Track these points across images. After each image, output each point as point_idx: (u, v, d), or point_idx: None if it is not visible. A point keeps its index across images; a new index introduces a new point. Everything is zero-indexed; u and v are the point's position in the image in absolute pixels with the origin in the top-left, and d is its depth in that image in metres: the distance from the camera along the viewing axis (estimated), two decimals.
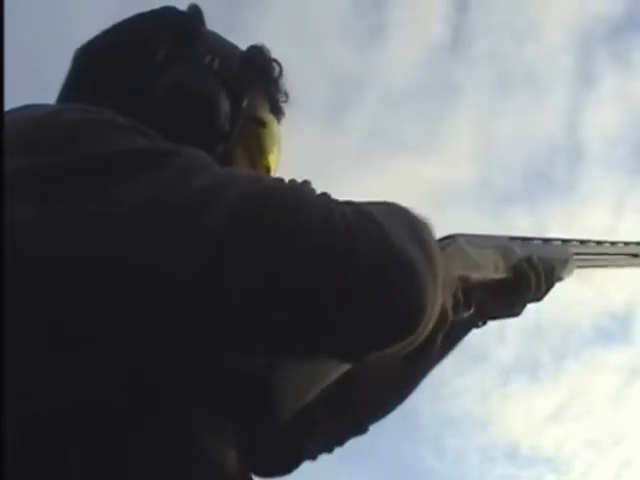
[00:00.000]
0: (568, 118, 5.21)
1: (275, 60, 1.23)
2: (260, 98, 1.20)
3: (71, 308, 0.78)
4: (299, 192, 0.86)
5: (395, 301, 0.81)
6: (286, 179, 0.97)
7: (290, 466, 1.20)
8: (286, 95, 1.23)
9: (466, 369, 5.45)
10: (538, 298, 1.36)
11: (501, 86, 5.07)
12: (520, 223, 5.27)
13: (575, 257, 1.48)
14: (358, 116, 4.68)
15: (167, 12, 1.20)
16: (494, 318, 1.33)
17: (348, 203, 0.87)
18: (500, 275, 1.29)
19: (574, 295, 5.33)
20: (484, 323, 1.31)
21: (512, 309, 1.34)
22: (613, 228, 5.11)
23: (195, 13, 1.21)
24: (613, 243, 1.60)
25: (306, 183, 1.02)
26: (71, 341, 0.78)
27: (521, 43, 5.15)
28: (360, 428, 1.27)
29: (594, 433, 6.08)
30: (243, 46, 1.22)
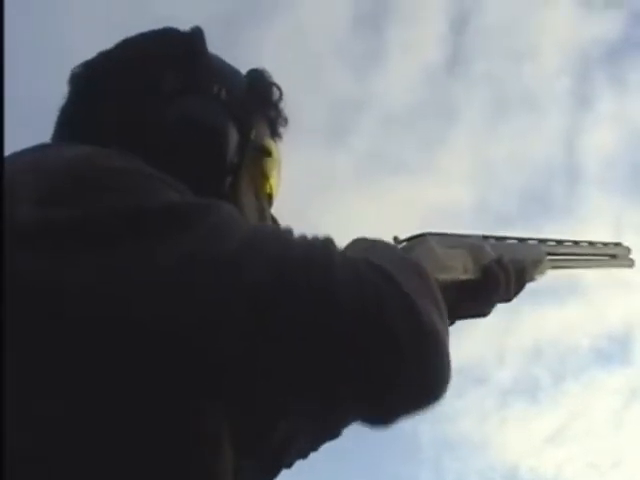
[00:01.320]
0: (566, 140, 5.24)
1: (275, 84, 1.22)
2: (263, 124, 1.19)
3: (107, 371, 0.78)
4: (329, 252, 0.85)
5: (428, 376, 0.83)
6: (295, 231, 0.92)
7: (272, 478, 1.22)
8: (285, 120, 1.22)
9: (465, 391, 5.44)
10: (507, 299, 1.35)
11: (499, 108, 5.10)
12: None
13: (550, 257, 1.48)
14: (357, 138, 4.70)
15: (170, 34, 1.18)
16: (462, 318, 1.31)
17: (366, 261, 0.85)
18: (469, 276, 1.29)
19: (573, 317, 5.33)
20: (452, 323, 1.31)
21: (480, 310, 1.33)
22: None
23: (198, 36, 1.19)
24: (591, 243, 1.59)
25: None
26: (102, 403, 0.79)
27: (518, 65, 5.18)
28: (334, 433, 1.27)
29: (594, 455, 6.06)
30: (242, 69, 1.21)
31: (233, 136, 1.11)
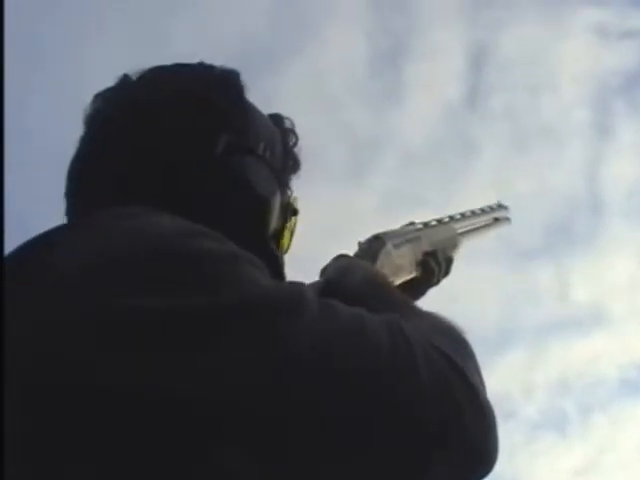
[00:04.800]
0: (587, 171, 5.22)
1: (296, 133, 1.18)
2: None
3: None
4: (412, 353, 0.82)
5: (483, 445, 0.83)
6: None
7: None
8: (300, 167, 1.18)
9: None
10: (437, 284, 1.44)
11: (518, 141, 5.09)
12: (542, 277, 5.25)
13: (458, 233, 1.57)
14: (377, 176, 4.71)
15: (212, 79, 1.07)
16: None
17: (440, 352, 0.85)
18: (412, 273, 1.38)
19: (599, 347, 5.29)
20: None
21: (417, 300, 1.38)
22: (638, 278, 5.09)
23: (239, 82, 1.09)
24: (473, 212, 1.65)
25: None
26: None
27: (537, 98, 5.18)
28: None
29: None
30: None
31: (277, 203, 1.07)
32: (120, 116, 1.02)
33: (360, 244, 1.33)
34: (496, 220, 1.72)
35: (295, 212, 1.13)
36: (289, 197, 1.12)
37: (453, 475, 0.82)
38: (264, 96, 1.11)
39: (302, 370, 0.74)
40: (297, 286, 0.83)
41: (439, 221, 1.52)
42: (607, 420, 5.53)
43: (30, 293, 0.76)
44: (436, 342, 0.84)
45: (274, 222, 1.07)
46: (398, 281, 1.33)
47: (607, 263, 5.23)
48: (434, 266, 1.40)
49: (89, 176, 1.01)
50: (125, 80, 1.06)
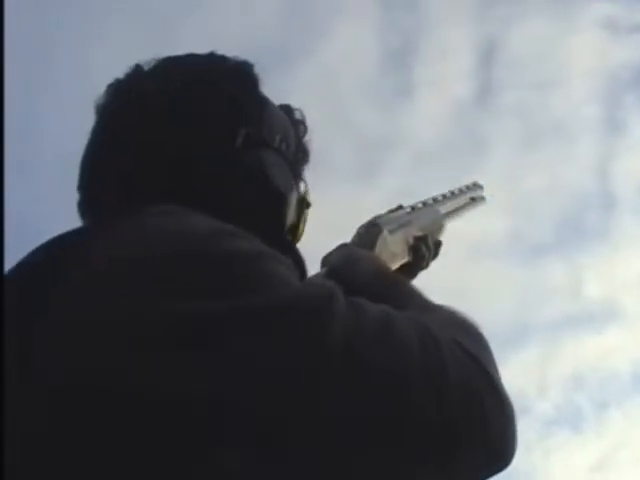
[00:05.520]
0: (599, 166, 5.21)
1: (304, 122, 1.16)
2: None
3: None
4: (441, 355, 0.81)
5: (503, 440, 0.83)
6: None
7: None
8: (309, 156, 1.17)
9: None
10: (427, 267, 1.44)
11: (529, 138, 5.08)
12: (554, 274, 5.24)
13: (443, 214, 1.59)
14: (388, 175, 4.71)
15: (226, 69, 1.04)
16: None
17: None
18: (405, 259, 1.39)
19: (612, 343, 5.27)
20: None
21: None
22: None
23: (254, 73, 1.06)
24: (453, 193, 1.67)
25: None
26: None
27: (547, 94, 5.17)
28: None
29: None
30: None
31: (295, 197, 1.07)
32: (130, 108, 1.00)
33: (358, 230, 1.33)
34: (473, 200, 1.73)
35: (308, 205, 1.12)
36: (304, 190, 1.11)
37: (472, 470, 0.82)
38: (274, 95, 1.11)
39: (334, 372, 0.73)
40: (326, 286, 0.82)
41: (424, 203, 1.53)
42: (621, 415, 5.51)
43: (63, 291, 0.75)
44: (458, 338, 0.84)
45: (291, 216, 1.06)
46: (393, 267, 1.34)
47: (619, 258, 5.22)
48: (425, 251, 1.41)
49: (100, 169, 0.99)
50: (137, 70, 1.04)
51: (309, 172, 1.16)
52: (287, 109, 1.14)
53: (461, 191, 1.69)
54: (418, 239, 1.41)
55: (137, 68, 1.04)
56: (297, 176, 1.10)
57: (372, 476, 0.77)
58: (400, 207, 1.45)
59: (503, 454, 0.84)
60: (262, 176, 1.01)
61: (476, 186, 1.76)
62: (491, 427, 0.81)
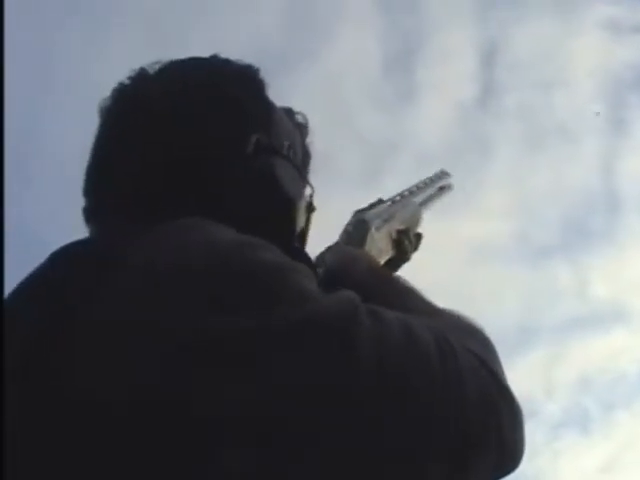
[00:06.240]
0: (603, 166, 5.20)
1: (306, 126, 1.16)
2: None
3: None
4: (457, 366, 0.82)
5: (514, 444, 0.85)
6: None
7: None
8: (311, 159, 1.16)
9: None
10: (408, 261, 1.46)
11: (533, 139, 5.07)
12: (560, 275, 5.23)
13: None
14: (392, 178, 4.70)
15: (232, 76, 1.03)
16: None
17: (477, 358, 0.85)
18: (389, 253, 1.40)
19: (619, 344, 5.26)
20: None
21: None
22: None
23: (258, 77, 1.06)
24: (425, 183, 1.67)
25: None
26: None
27: (550, 95, 5.16)
28: None
29: None
30: None
31: (304, 203, 1.07)
32: (135, 112, 0.99)
33: (346, 228, 1.34)
34: (441, 189, 1.74)
35: (313, 209, 1.12)
36: (309, 194, 1.11)
37: (483, 473, 0.83)
38: (277, 99, 1.10)
39: (359, 385, 0.74)
40: (350, 297, 0.81)
41: (401, 195, 1.55)
42: (629, 416, 5.50)
43: (90, 307, 0.75)
44: (468, 344, 0.85)
45: (301, 222, 1.06)
46: (381, 262, 1.35)
47: (625, 259, 5.21)
48: (407, 244, 1.43)
49: (106, 173, 0.99)
50: (142, 73, 1.03)
51: (313, 175, 1.16)
52: (289, 112, 1.14)
53: (432, 180, 1.70)
54: (400, 233, 1.43)
55: (142, 71, 1.03)
56: (303, 180, 1.10)
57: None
58: (380, 201, 1.47)
59: (514, 458, 0.86)
60: (273, 182, 1.01)
61: (444, 174, 1.76)
62: (505, 433, 0.82)
